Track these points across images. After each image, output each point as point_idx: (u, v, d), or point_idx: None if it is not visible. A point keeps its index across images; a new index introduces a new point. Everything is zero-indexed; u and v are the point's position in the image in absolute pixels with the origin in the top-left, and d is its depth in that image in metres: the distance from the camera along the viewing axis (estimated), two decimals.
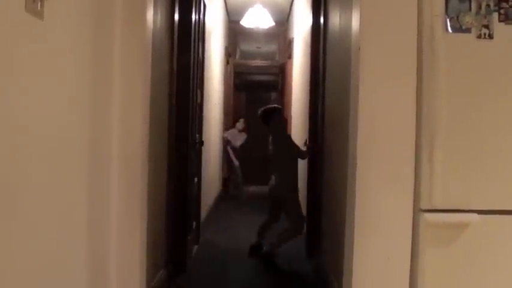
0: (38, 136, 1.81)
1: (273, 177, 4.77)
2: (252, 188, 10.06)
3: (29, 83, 1.73)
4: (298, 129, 6.76)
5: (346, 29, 3.08)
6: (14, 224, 1.66)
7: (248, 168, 10.20)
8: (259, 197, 9.36)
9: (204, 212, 5.88)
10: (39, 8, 1.73)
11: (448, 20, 2.41)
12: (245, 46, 11.20)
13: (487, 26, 2.42)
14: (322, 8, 4.41)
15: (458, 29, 2.42)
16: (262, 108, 4.98)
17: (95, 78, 2.39)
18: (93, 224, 2.43)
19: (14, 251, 1.66)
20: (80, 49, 2.19)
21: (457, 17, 2.41)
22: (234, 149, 8.82)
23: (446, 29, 2.41)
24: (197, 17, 4.40)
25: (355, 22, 2.57)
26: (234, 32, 9.57)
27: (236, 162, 8.83)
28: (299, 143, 5.33)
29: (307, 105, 4.94)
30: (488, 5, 2.42)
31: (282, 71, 9.61)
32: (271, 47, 10.89)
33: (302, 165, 5.35)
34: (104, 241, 2.60)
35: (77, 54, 2.16)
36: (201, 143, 4.96)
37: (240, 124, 9.08)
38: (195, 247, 4.84)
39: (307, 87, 5.03)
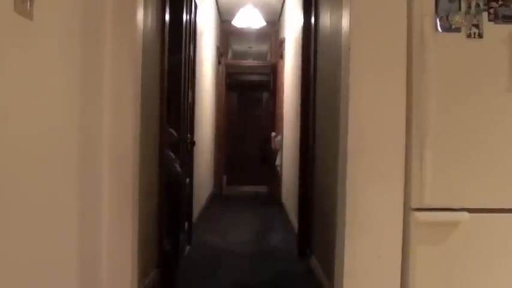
0: (28, 136, 1.80)
1: None
2: (243, 189, 10.06)
3: (18, 83, 1.72)
4: (290, 129, 6.77)
5: (337, 28, 3.08)
6: (3, 224, 1.65)
7: (235, 168, 10.20)
8: (249, 197, 9.39)
9: (196, 213, 5.88)
10: (28, 8, 1.72)
11: (437, 19, 2.42)
12: (237, 46, 11.20)
13: (476, 26, 2.43)
14: (313, 8, 4.42)
15: (448, 28, 2.43)
16: None
17: (86, 78, 2.38)
18: (84, 223, 2.42)
19: (3, 251, 1.66)
20: (70, 49, 2.18)
21: (447, 17, 2.42)
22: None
23: (436, 29, 2.42)
24: (188, 17, 4.40)
25: (345, 22, 2.57)
26: (226, 32, 9.56)
27: None
28: (294, 142, 5.32)
29: (299, 104, 4.95)
30: (477, 5, 2.43)
31: (273, 71, 9.62)
32: (263, 47, 10.90)
33: (294, 165, 5.36)
34: (95, 241, 2.59)
35: (66, 54, 2.15)
36: (193, 143, 4.96)
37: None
38: (187, 247, 4.84)
39: (299, 87, 5.05)
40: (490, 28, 2.43)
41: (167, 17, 3.76)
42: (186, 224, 4.83)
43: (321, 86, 4.07)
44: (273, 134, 8.88)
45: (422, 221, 2.41)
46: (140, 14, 2.80)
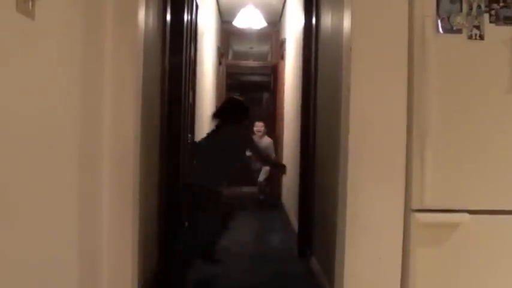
0: (28, 135, 1.80)
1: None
2: (243, 189, 10.04)
3: (20, 82, 1.72)
4: (290, 129, 6.77)
5: (338, 29, 3.08)
6: (3, 224, 1.65)
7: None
8: (248, 198, 9.38)
9: None
10: (30, 7, 1.72)
11: (439, 20, 2.42)
12: (238, 46, 11.20)
13: (477, 27, 2.43)
14: (314, 8, 4.42)
15: (449, 29, 2.43)
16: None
17: (87, 78, 2.38)
18: (85, 223, 2.42)
19: (4, 251, 1.66)
20: (71, 49, 2.19)
21: (448, 18, 2.42)
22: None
23: (437, 30, 2.42)
24: (189, 17, 4.40)
25: (346, 22, 2.57)
26: (227, 33, 9.56)
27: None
28: (295, 143, 5.29)
29: (300, 105, 4.95)
30: (479, 6, 2.43)
31: (274, 72, 9.62)
32: (264, 48, 10.90)
33: (294, 164, 5.35)
34: (96, 241, 2.59)
35: (68, 54, 2.15)
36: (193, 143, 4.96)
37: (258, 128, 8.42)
38: None
39: (300, 88, 5.05)
40: (491, 29, 2.43)
41: (168, 17, 3.76)
42: (186, 224, 4.82)
43: (321, 86, 4.07)
44: (258, 131, 8.35)
45: (423, 222, 2.41)
46: (141, 14, 2.80)
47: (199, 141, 4.40)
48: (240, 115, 4.24)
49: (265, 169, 8.37)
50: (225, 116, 4.22)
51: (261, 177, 8.47)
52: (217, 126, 4.25)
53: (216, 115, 4.32)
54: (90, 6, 2.39)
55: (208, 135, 4.33)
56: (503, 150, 2.45)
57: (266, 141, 8.27)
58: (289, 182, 6.60)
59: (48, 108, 1.96)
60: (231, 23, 8.25)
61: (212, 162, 4.04)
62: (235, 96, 4.68)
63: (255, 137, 8.03)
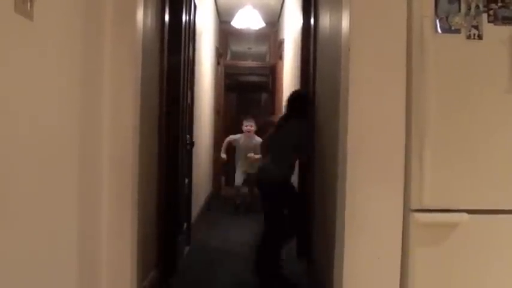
0: (27, 137, 1.80)
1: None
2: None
3: (18, 83, 1.72)
4: None
5: (337, 29, 3.08)
6: (3, 224, 1.65)
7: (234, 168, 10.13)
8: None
9: (195, 213, 5.88)
10: (28, 8, 1.72)
11: (437, 20, 2.42)
12: (236, 47, 11.21)
13: (476, 27, 2.43)
14: (312, 8, 4.42)
15: (447, 29, 2.43)
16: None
17: (85, 79, 2.38)
18: (84, 224, 2.42)
19: (4, 251, 1.66)
20: (70, 50, 2.18)
21: (447, 18, 2.42)
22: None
23: (436, 30, 2.42)
24: (187, 17, 4.40)
25: (345, 23, 2.58)
26: (225, 33, 9.56)
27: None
28: None
29: None
30: (477, 6, 2.43)
31: (272, 72, 9.62)
32: (262, 48, 10.90)
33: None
34: (95, 241, 2.59)
35: (67, 55, 2.15)
36: (192, 143, 4.96)
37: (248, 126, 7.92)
38: (186, 248, 4.83)
39: (298, 88, 5.04)
40: (489, 29, 2.43)
41: (167, 17, 3.76)
42: (185, 224, 4.83)
43: (320, 86, 4.07)
44: (248, 131, 7.96)
45: (422, 222, 2.41)
46: (140, 15, 2.80)
47: (270, 136, 4.50)
48: (303, 108, 4.27)
49: (241, 170, 7.91)
50: (290, 109, 4.33)
51: (238, 180, 7.94)
52: (285, 119, 4.38)
53: (287, 106, 4.43)
54: (89, 7, 2.39)
55: (278, 127, 4.41)
56: (502, 150, 2.45)
57: (258, 140, 8.07)
58: None
59: (47, 109, 1.96)
60: (230, 23, 8.26)
61: (282, 156, 4.24)
62: (299, 89, 4.76)
63: (246, 136, 7.94)
